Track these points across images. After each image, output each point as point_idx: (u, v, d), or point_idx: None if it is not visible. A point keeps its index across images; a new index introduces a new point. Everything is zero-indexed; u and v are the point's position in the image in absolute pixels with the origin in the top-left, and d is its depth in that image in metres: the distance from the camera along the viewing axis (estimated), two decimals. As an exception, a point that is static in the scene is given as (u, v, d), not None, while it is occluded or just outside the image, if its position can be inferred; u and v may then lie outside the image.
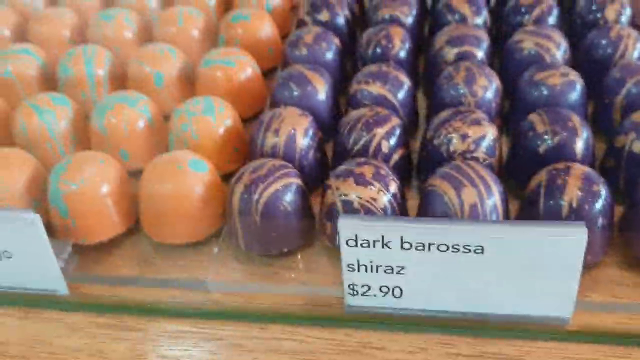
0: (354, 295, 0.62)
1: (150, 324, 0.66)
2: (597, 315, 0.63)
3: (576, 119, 0.72)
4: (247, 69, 0.90)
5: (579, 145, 0.70)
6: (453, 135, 0.72)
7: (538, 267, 0.57)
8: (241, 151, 0.82)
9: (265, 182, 0.68)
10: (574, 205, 0.62)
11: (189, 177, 0.70)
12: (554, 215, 0.63)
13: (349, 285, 0.61)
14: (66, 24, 1.05)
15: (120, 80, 0.95)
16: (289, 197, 0.68)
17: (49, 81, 0.96)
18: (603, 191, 0.64)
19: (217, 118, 0.79)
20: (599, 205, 0.63)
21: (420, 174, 0.78)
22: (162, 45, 0.94)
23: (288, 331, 0.64)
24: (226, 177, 0.76)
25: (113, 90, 0.92)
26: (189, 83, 0.93)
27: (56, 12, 1.07)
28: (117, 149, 0.81)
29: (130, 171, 0.78)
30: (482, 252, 0.57)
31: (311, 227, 0.73)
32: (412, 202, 0.73)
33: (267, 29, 1.00)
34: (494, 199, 0.65)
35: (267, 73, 0.99)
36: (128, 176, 0.76)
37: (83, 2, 1.12)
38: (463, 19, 0.94)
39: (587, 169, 0.65)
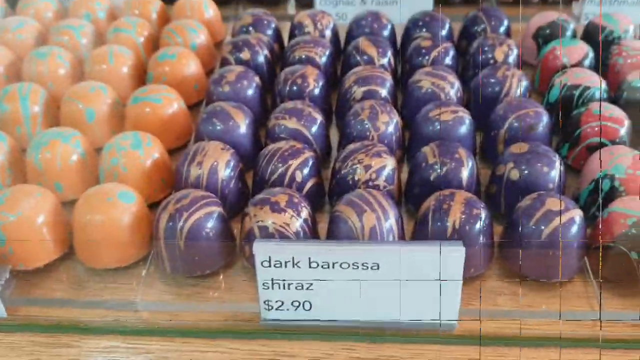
0: (269, 310, 0.69)
1: (84, 341, 0.72)
2: (480, 321, 0.72)
3: (462, 151, 0.82)
4: (173, 105, 0.97)
5: (465, 174, 0.80)
6: (357, 166, 0.81)
7: (426, 280, 0.66)
8: (168, 182, 0.89)
9: (188, 211, 0.75)
10: (457, 226, 0.72)
11: (118, 208, 0.76)
12: (440, 235, 0.72)
13: (264, 302, 0.69)
14: (0, 61, 1.08)
15: (54, 115, 1.00)
16: (210, 224, 0.76)
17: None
18: (482, 214, 0.73)
19: (144, 152, 0.86)
20: (478, 226, 0.73)
21: (331, 200, 0.87)
22: (94, 82, 1.00)
23: (210, 344, 0.71)
24: (154, 206, 0.83)
25: (47, 125, 0.97)
26: (119, 118, 0.99)
27: (-10, 49, 1.10)
28: (52, 182, 0.86)
29: (64, 202, 0.84)
30: (378, 269, 0.65)
31: (232, 250, 0.80)
32: (325, 225, 0.81)
33: (192, 67, 1.07)
34: (390, 221, 0.74)
35: (194, 106, 1.06)
36: (62, 206, 0.82)
37: (16, 39, 1.16)
38: (370, 61, 1.05)
39: (469, 195, 0.75)
